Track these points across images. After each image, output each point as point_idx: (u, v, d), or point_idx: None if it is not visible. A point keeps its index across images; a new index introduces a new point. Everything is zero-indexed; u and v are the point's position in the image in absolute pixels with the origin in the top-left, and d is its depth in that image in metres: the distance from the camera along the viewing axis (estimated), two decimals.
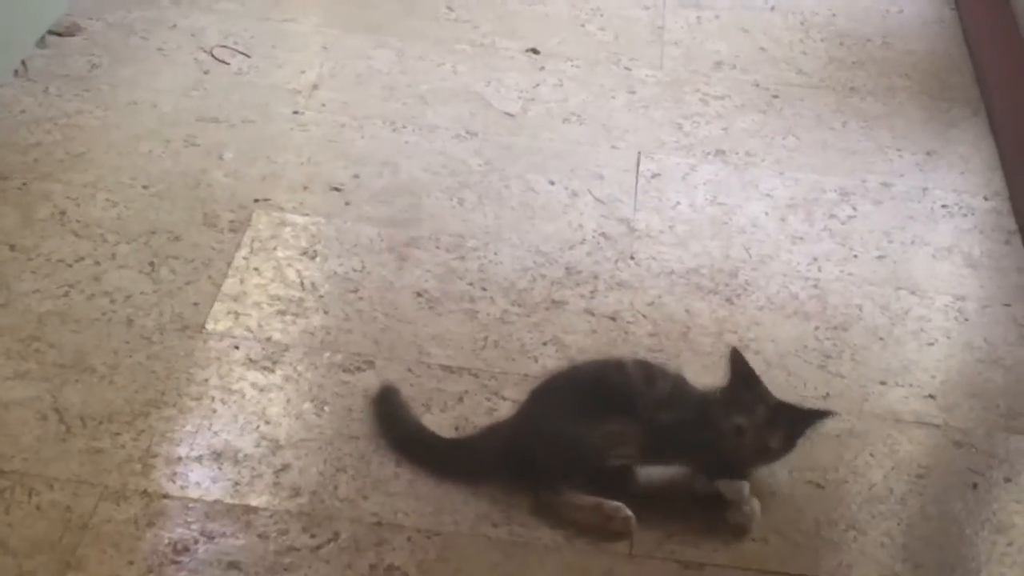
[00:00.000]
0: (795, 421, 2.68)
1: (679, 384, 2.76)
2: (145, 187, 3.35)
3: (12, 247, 3.13)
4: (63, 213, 3.24)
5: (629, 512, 2.59)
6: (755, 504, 2.64)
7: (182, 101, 3.67)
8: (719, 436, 2.64)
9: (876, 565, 2.60)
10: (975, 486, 2.78)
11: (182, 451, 2.68)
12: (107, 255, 3.13)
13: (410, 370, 2.91)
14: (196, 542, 2.51)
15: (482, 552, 2.55)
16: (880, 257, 3.37)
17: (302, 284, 3.11)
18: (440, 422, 2.79)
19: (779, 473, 2.76)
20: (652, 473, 2.65)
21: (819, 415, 2.70)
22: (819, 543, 2.63)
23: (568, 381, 2.78)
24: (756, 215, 3.48)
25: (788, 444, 2.68)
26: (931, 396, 2.98)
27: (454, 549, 2.55)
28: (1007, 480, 2.81)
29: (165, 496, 2.59)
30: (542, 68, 3.96)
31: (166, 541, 2.51)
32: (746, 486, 2.63)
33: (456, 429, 2.78)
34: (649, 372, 2.75)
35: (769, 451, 2.69)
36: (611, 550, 2.58)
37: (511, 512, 2.63)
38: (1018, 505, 2.75)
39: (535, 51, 4.03)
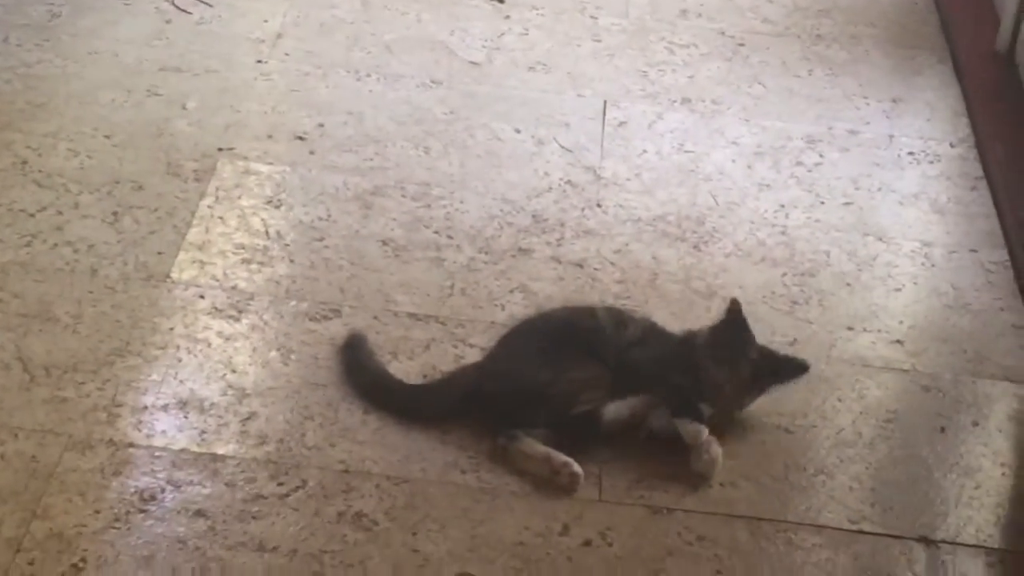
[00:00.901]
0: (772, 374, 2.69)
1: (651, 328, 2.75)
2: (107, 137, 3.32)
3: None
4: (24, 163, 3.21)
5: (578, 469, 2.58)
6: (717, 451, 2.64)
7: (144, 51, 3.64)
8: (696, 378, 2.64)
9: (845, 509, 2.60)
10: (943, 430, 2.79)
11: (148, 400, 2.66)
12: (70, 205, 3.10)
13: (376, 318, 2.90)
14: (163, 491, 2.50)
15: (450, 499, 2.55)
16: (847, 204, 3.37)
17: (267, 233, 3.09)
18: (407, 370, 2.78)
19: (748, 418, 2.75)
20: (619, 410, 2.64)
21: (795, 371, 2.71)
22: (788, 487, 2.63)
23: (537, 327, 2.77)
24: (723, 163, 3.47)
25: (759, 394, 2.70)
26: (899, 341, 2.98)
27: (422, 496, 2.54)
28: (974, 424, 2.81)
29: (131, 445, 2.57)
30: (507, 17, 3.94)
31: (132, 490, 2.49)
32: (704, 430, 2.62)
33: (424, 376, 2.77)
34: (620, 317, 2.75)
35: (742, 405, 2.70)
36: (580, 496, 2.57)
37: (479, 459, 2.62)
38: (985, 448, 2.76)
39: (500, 0, 4.01)
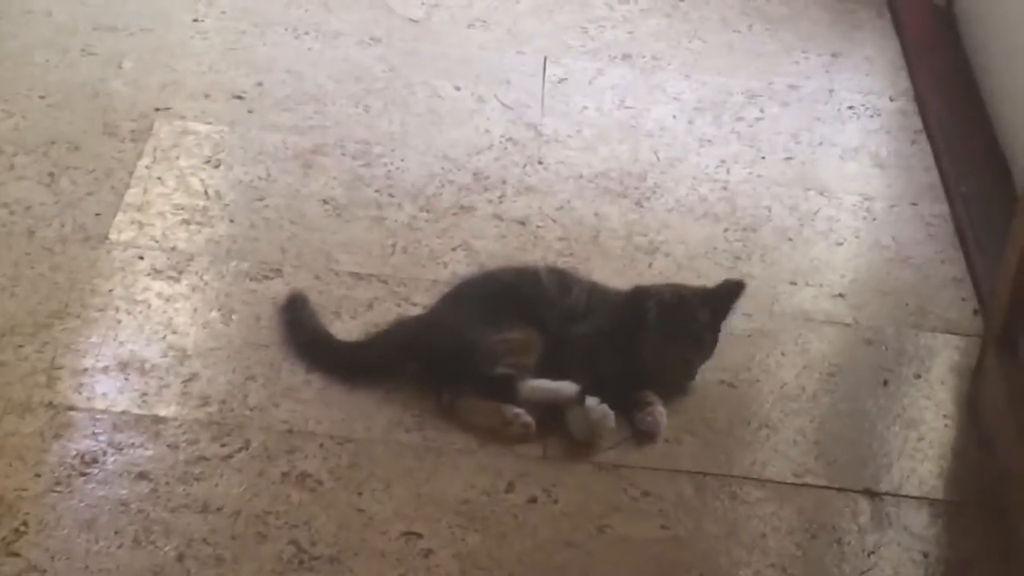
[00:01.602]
0: (719, 315, 2.71)
1: (594, 290, 2.74)
2: (42, 97, 3.28)
3: None
4: None
5: (529, 418, 2.57)
6: (661, 411, 2.63)
7: (78, 9, 3.59)
8: (636, 356, 2.65)
9: (789, 462, 2.60)
10: (885, 383, 2.79)
11: (87, 362, 2.63)
12: (5, 166, 3.07)
13: (318, 277, 2.88)
14: (104, 453, 2.47)
15: (395, 457, 2.53)
16: (788, 159, 3.37)
17: (206, 193, 3.06)
18: (350, 329, 2.76)
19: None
20: (537, 391, 2.61)
21: (734, 293, 2.72)
22: (732, 442, 2.64)
23: (480, 286, 2.76)
24: (664, 118, 3.46)
25: (715, 344, 2.72)
26: (841, 295, 2.99)
27: (367, 455, 2.53)
28: (917, 376, 2.82)
29: (71, 408, 2.55)
30: None
31: (73, 453, 2.47)
32: (611, 417, 2.59)
33: (368, 335, 2.75)
34: (563, 280, 2.73)
35: (702, 361, 2.73)
36: (525, 453, 2.57)
37: (423, 417, 2.61)
38: (928, 401, 2.77)
39: None
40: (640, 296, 2.71)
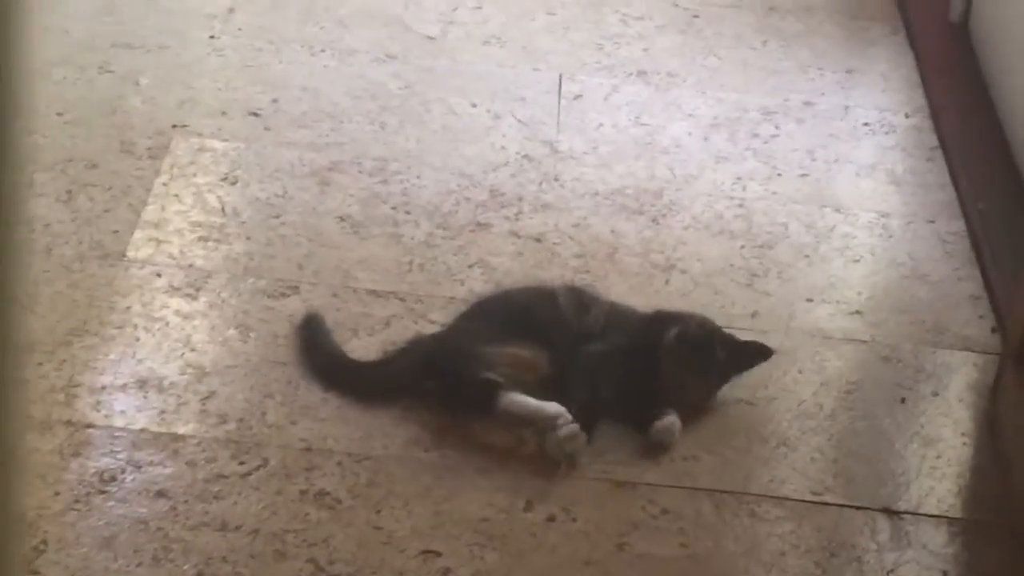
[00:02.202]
0: (736, 364, 2.72)
1: (613, 312, 2.74)
2: (59, 114, 3.29)
3: None
4: None
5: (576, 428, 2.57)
6: (672, 420, 2.63)
7: (95, 27, 3.60)
8: (652, 379, 2.65)
9: (807, 480, 2.60)
10: (903, 400, 2.79)
11: (106, 380, 2.64)
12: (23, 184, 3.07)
13: (335, 295, 2.88)
14: (123, 471, 2.48)
15: (413, 476, 2.54)
16: (804, 175, 3.37)
17: (223, 210, 3.07)
18: (367, 346, 2.76)
19: None
20: (518, 406, 2.58)
21: (758, 357, 2.73)
22: (750, 460, 2.64)
23: (495, 305, 2.76)
24: (679, 135, 3.46)
25: (724, 384, 2.73)
26: (858, 312, 2.98)
27: (385, 473, 2.53)
28: (935, 394, 2.82)
29: (90, 426, 2.55)
30: None
31: (92, 471, 2.47)
32: (581, 438, 2.56)
33: (384, 354, 2.75)
34: (581, 300, 2.73)
35: (708, 399, 2.73)
36: (543, 472, 2.57)
37: (442, 436, 2.61)
38: (946, 419, 2.76)
39: None
40: (664, 319, 2.72)
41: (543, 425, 2.57)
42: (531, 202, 3.19)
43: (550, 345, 2.65)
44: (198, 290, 2.86)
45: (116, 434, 2.54)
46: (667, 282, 3.00)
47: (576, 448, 2.57)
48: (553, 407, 2.57)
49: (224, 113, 3.35)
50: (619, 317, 2.73)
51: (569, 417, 2.56)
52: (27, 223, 2.90)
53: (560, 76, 3.62)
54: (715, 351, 2.69)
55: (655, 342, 2.67)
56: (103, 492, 2.44)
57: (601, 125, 3.47)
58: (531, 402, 2.58)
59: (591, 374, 2.64)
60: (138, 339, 2.73)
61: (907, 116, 3.61)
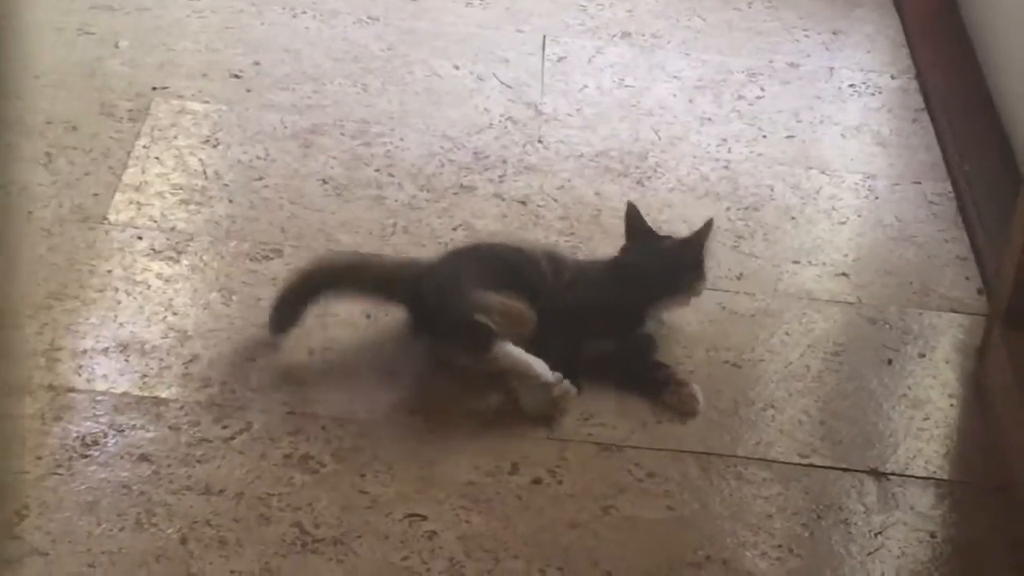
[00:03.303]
0: (694, 252, 2.73)
1: (579, 269, 2.74)
2: (37, 77, 3.25)
3: None
4: None
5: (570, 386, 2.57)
6: (695, 387, 2.63)
7: None
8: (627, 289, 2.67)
9: (794, 442, 2.59)
10: (890, 362, 2.78)
11: (87, 344, 2.61)
12: (1, 146, 3.04)
13: None
14: (105, 435, 2.46)
15: (398, 439, 2.52)
16: (789, 137, 3.35)
17: (205, 173, 3.04)
18: (350, 309, 2.74)
19: (696, 354, 2.74)
20: (510, 357, 2.55)
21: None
22: (737, 422, 2.62)
23: (485, 253, 2.74)
24: (664, 97, 3.44)
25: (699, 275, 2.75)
26: (844, 274, 2.97)
27: (369, 437, 2.51)
28: (921, 355, 2.81)
29: (71, 390, 2.53)
30: None
31: (74, 435, 2.45)
32: (573, 392, 2.57)
33: (368, 316, 2.73)
34: (557, 266, 2.72)
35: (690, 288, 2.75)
36: (528, 434, 2.55)
37: (426, 400, 2.60)
38: (933, 380, 2.75)
39: None
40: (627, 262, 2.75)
41: (531, 381, 2.55)
42: (515, 164, 3.17)
43: (534, 302, 2.63)
44: (180, 253, 2.83)
45: (98, 398, 2.52)
46: None
47: (566, 406, 2.56)
48: (545, 368, 2.55)
49: (205, 75, 3.32)
50: (587, 268, 2.74)
51: (560, 375, 2.54)
52: (4, 186, 2.88)
53: (544, 38, 3.59)
54: (656, 239, 2.75)
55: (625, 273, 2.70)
56: (85, 456, 2.42)
57: (585, 87, 3.44)
58: (524, 356, 2.55)
59: (568, 331, 2.62)
60: (119, 303, 2.71)
61: (893, 77, 3.59)
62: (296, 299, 2.66)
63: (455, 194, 3.06)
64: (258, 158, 3.10)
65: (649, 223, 2.79)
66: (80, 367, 2.57)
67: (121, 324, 2.66)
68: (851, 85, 3.55)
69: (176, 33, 3.45)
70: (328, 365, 2.63)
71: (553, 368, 2.57)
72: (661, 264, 2.72)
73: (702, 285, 2.76)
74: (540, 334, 2.61)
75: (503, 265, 2.69)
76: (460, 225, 2.98)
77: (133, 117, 3.16)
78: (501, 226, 2.98)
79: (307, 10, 3.59)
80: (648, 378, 2.65)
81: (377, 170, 3.10)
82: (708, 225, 2.73)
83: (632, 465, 2.52)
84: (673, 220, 3.04)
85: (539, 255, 2.73)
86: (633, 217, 2.78)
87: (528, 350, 2.57)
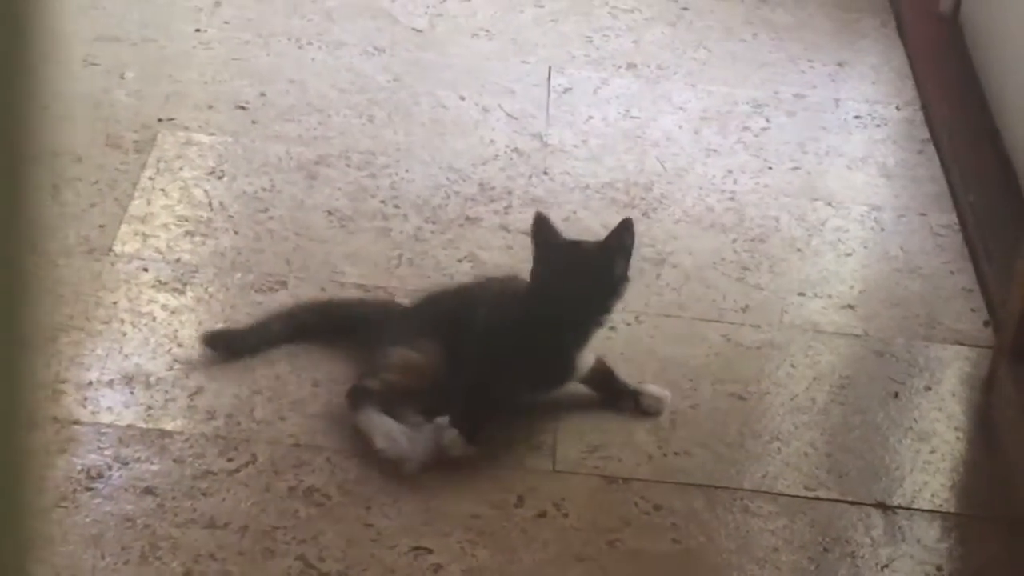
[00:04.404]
0: (616, 255, 2.61)
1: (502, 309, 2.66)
2: (44, 108, 3.25)
3: None
4: None
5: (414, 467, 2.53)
6: (657, 388, 2.64)
7: (79, 19, 3.56)
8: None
9: (800, 475, 2.58)
10: (896, 395, 2.77)
11: (92, 376, 2.61)
12: None
13: (323, 289, 2.86)
14: (110, 468, 2.45)
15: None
16: (795, 168, 3.35)
17: (210, 204, 3.04)
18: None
19: (701, 386, 2.73)
20: (367, 423, 2.54)
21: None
22: (743, 455, 2.62)
23: (433, 299, 2.74)
24: (669, 128, 3.44)
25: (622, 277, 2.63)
26: (850, 306, 2.97)
27: (374, 469, 2.51)
28: (927, 388, 2.80)
29: (76, 422, 2.52)
30: None
31: (79, 468, 2.44)
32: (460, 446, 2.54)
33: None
34: (499, 300, 2.68)
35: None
36: (534, 467, 2.55)
37: None
38: (939, 413, 2.75)
39: None
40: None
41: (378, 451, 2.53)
42: (520, 196, 3.17)
43: (457, 347, 2.61)
44: (185, 285, 2.83)
45: (103, 431, 2.51)
46: (658, 276, 2.98)
47: (462, 452, 2.53)
48: (387, 439, 2.52)
49: (211, 106, 3.33)
50: (503, 316, 2.64)
51: (446, 422, 2.52)
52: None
53: (549, 69, 3.60)
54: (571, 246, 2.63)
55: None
56: (90, 489, 2.41)
57: (591, 118, 3.44)
58: (374, 425, 2.53)
59: (473, 372, 2.60)
60: (125, 334, 2.70)
61: (898, 109, 3.59)
62: (255, 340, 2.69)
63: (460, 226, 3.06)
64: (263, 189, 3.10)
65: (560, 233, 2.66)
66: (85, 399, 2.57)
67: (126, 356, 2.66)
68: (856, 116, 3.55)
69: (182, 64, 3.46)
70: (332, 397, 2.62)
71: (461, 415, 2.54)
72: (588, 271, 2.59)
73: (625, 287, 2.63)
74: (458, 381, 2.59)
75: (439, 313, 2.66)
76: (465, 257, 2.98)
77: (139, 148, 3.16)
78: (507, 258, 2.98)
79: (313, 41, 3.59)
80: (613, 397, 2.64)
81: (382, 201, 3.10)
82: (625, 224, 2.62)
83: (638, 498, 2.51)
84: (679, 251, 3.04)
85: (484, 298, 2.67)
86: (543, 229, 2.63)
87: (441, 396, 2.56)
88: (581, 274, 2.59)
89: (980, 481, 2.63)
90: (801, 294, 2.98)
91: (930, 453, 2.66)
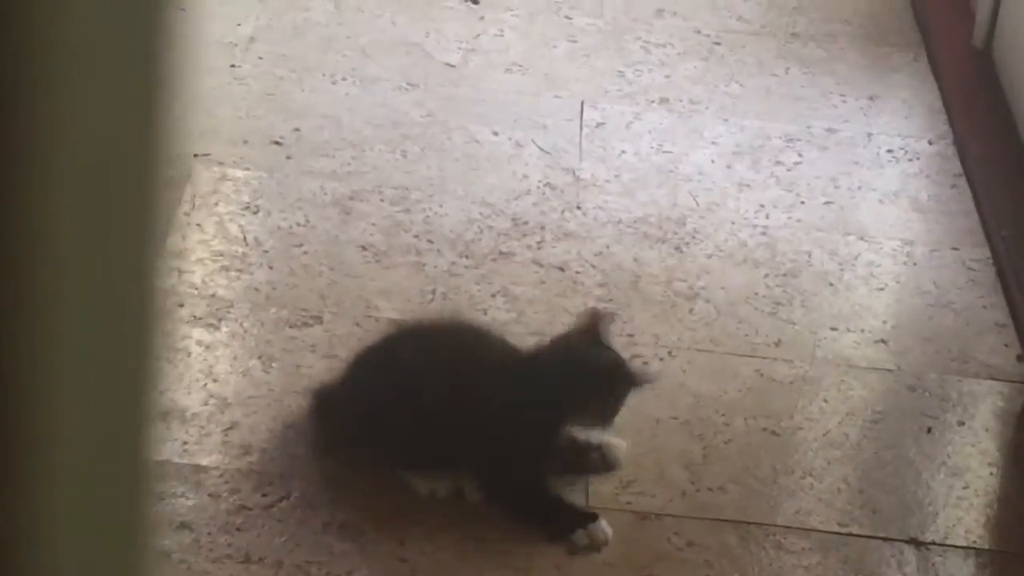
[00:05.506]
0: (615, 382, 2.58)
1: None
2: None
3: None
4: None
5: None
6: (614, 442, 2.60)
7: None
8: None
9: (833, 511, 2.59)
10: (929, 430, 2.77)
11: None
12: None
13: (358, 324, 2.87)
14: None
15: (437, 507, 2.52)
16: (827, 203, 3.35)
17: (245, 239, 3.06)
18: None
19: (734, 422, 2.74)
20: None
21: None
22: (776, 490, 2.62)
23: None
24: (702, 163, 3.45)
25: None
26: (883, 341, 2.97)
27: (409, 504, 2.52)
28: (961, 423, 2.80)
29: None
30: (482, 18, 3.91)
31: None
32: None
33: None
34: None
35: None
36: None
37: None
38: (973, 448, 2.75)
39: (474, 1, 3.98)
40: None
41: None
42: (553, 231, 3.18)
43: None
44: (220, 320, 2.85)
45: None
46: (691, 311, 2.99)
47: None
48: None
49: (246, 142, 3.35)
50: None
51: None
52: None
53: (582, 103, 3.61)
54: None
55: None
56: None
57: (623, 153, 3.46)
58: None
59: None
60: (160, 370, 2.72)
61: (930, 143, 3.60)
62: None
63: (494, 260, 3.08)
64: (298, 224, 3.12)
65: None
66: None
67: (161, 392, 2.67)
68: (889, 151, 3.55)
69: (217, 100, 3.48)
70: None
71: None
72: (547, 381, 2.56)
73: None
74: None
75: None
76: (498, 292, 2.99)
77: (174, 184, 3.18)
78: (539, 292, 2.99)
79: (347, 76, 3.61)
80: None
81: (416, 236, 3.12)
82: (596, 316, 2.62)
83: (671, 534, 2.52)
84: (711, 286, 3.05)
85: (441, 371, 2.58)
86: (591, 328, 2.60)
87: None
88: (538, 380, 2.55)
89: (1014, 517, 2.63)
90: (833, 329, 2.99)
91: (963, 489, 2.66)
